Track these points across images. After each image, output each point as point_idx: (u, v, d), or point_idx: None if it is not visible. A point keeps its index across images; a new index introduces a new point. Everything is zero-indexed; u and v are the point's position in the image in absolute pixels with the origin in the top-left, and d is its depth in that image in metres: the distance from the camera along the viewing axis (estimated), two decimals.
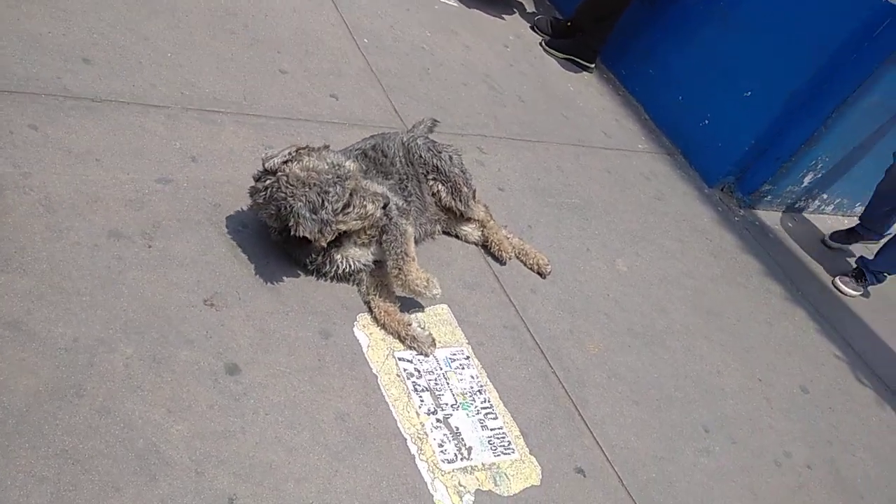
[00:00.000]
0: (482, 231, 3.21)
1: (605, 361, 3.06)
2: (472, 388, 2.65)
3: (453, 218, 3.16)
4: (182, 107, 2.99)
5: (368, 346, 2.59)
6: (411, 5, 4.70)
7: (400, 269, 2.60)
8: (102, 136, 2.69)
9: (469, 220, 3.17)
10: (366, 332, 2.62)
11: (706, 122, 4.82)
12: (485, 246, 3.23)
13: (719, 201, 4.72)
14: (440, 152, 3.02)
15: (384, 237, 2.63)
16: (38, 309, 2.11)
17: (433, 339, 2.67)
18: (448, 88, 4.17)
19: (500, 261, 3.20)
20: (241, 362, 2.31)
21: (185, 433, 2.06)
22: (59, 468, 1.84)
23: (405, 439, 2.37)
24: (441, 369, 2.65)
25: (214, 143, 2.94)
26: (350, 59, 3.89)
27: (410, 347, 2.63)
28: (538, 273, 3.29)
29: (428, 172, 2.99)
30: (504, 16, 5.26)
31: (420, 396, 2.52)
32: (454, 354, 2.74)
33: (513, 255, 3.22)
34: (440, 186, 3.00)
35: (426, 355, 2.64)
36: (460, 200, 3.02)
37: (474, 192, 3.12)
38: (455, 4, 5.03)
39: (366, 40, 4.11)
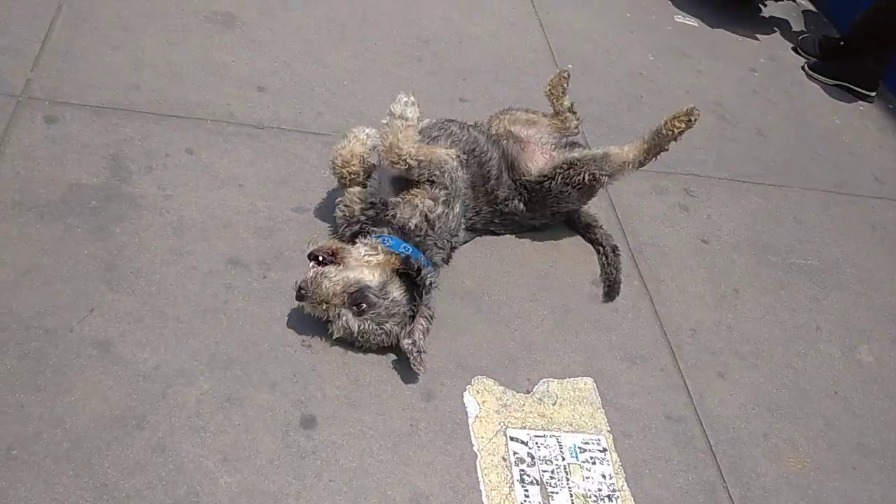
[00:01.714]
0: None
1: (808, 484, 2.26)
2: (599, 490, 2.10)
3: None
4: (342, 135, 2.89)
5: (477, 416, 2.18)
6: (637, 27, 4.19)
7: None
8: (253, 161, 2.69)
9: None
10: (478, 400, 2.23)
11: None
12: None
13: None
14: None
15: None
16: (133, 332, 2.10)
17: None
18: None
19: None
20: (320, 415, 2.07)
21: (233, 487, 1.87)
22: (92, 503, 1.76)
23: None
24: (563, 459, 2.14)
25: None
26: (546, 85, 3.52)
27: None
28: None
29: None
30: (758, 35, 4.46)
31: (525, 490, 2.05)
32: (586, 443, 2.20)
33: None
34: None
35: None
36: None
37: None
38: (695, 24, 4.38)
39: (570, 65, 3.70)
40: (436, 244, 2.33)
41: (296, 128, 2.87)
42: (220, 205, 2.50)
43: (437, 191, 2.31)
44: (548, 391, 2.31)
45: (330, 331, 2.17)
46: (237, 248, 2.41)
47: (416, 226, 2.27)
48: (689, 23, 4.38)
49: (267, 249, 2.43)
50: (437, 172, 2.29)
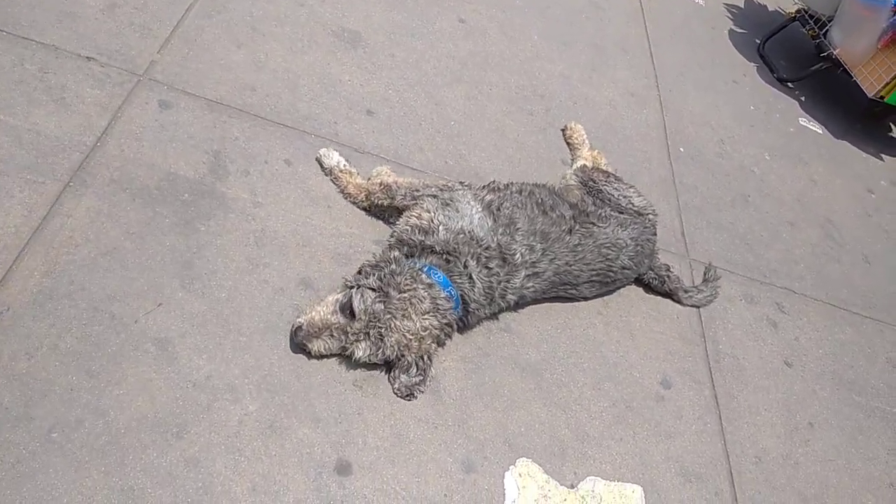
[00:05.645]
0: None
1: None
2: None
3: None
4: (439, 174, 2.86)
5: (514, 501, 2.08)
6: (758, 122, 4.03)
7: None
8: None
9: None
10: (519, 483, 2.12)
11: None
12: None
13: None
14: None
15: None
16: (194, 335, 2.08)
17: None
18: (765, 223, 3.41)
19: None
20: (356, 463, 2.00)
21: None
22: None
23: None
24: None
25: None
26: (653, 164, 3.41)
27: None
28: None
29: None
30: (884, 156, 4.23)
31: None
32: None
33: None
34: None
35: None
36: None
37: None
38: (819, 130, 4.19)
39: (682, 149, 3.58)
40: (451, 251, 2.28)
41: (395, 159, 2.84)
42: (305, 223, 2.49)
43: (426, 203, 2.41)
44: (593, 491, 2.18)
45: (351, 352, 2.12)
46: (312, 269, 2.38)
47: (407, 234, 2.34)
48: (814, 128, 4.19)
49: (340, 277, 2.39)
50: (415, 192, 2.48)
